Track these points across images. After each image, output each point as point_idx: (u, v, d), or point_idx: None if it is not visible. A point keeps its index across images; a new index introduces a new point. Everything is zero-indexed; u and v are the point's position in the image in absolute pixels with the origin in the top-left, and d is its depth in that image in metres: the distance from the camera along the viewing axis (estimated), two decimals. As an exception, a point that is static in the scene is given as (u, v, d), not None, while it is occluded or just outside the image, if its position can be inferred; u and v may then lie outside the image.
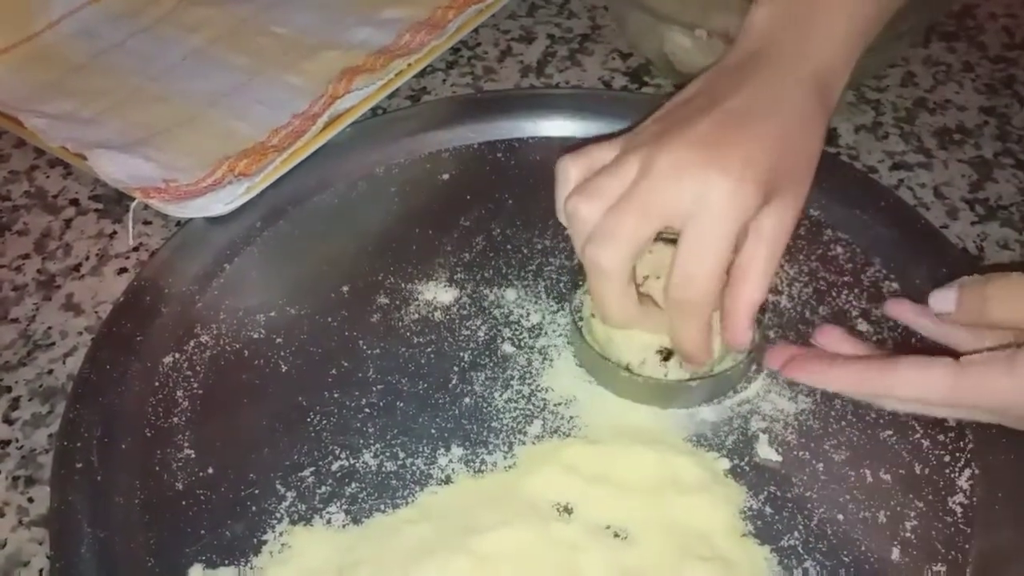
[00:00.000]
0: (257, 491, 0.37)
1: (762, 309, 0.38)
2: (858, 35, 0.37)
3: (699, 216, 0.32)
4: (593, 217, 0.34)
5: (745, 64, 0.36)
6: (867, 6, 0.38)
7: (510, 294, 0.44)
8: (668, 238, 0.35)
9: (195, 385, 0.41)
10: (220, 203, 0.46)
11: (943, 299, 0.35)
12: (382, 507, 0.36)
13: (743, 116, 0.34)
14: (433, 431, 0.39)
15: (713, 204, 0.32)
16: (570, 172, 0.36)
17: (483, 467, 0.38)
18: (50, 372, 0.43)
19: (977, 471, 0.37)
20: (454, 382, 0.41)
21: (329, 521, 0.36)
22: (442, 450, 0.38)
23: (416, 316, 0.43)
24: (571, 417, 0.39)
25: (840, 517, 0.36)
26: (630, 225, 0.33)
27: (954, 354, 0.33)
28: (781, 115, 0.34)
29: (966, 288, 0.34)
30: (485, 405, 0.40)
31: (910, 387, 0.33)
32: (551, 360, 0.41)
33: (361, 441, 0.39)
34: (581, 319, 0.40)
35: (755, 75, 0.35)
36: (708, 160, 0.32)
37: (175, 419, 0.40)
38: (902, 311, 0.40)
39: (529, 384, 0.40)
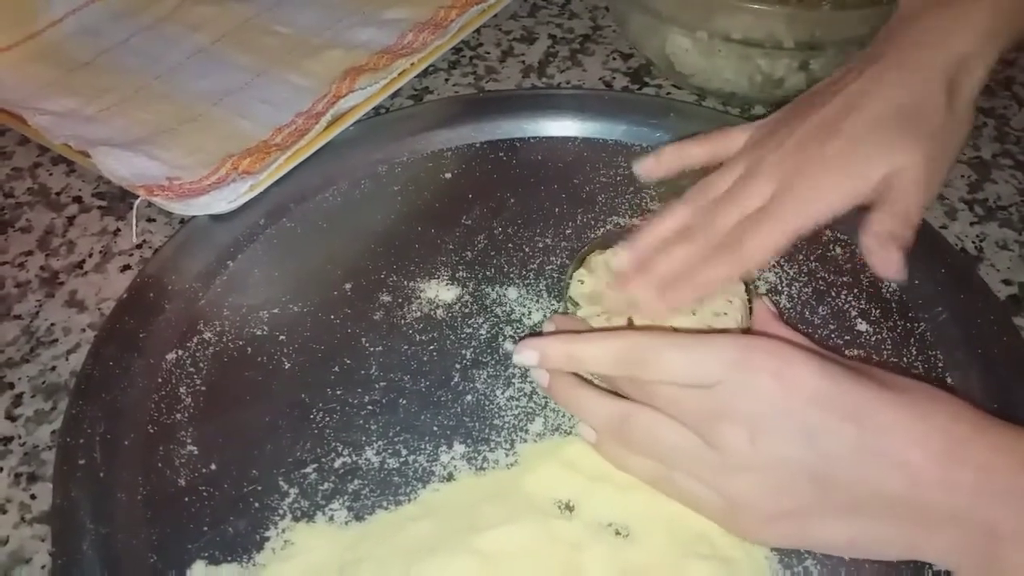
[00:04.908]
0: (260, 488, 0.37)
1: (750, 291, 0.39)
2: (1001, 30, 0.37)
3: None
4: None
5: (883, 55, 0.37)
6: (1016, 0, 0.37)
7: (512, 292, 0.45)
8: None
9: (198, 382, 0.41)
10: (223, 201, 0.46)
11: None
12: (384, 504, 0.37)
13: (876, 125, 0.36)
14: (435, 428, 0.39)
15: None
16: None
17: (485, 464, 0.38)
18: (53, 369, 0.43)
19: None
20: (456, 380, 0.41)
21: (332, 518, 0.36)
22: (444, 447, 0.38)
23: (418, 314, 0.44)
24: (572, 415, 0.39)
25: (840, 515, 0.36)
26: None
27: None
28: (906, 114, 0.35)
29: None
30: (487, 403, 0.40)
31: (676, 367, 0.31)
32: (553, 358, 0.41)
33: (364, 438, 0.39)
34: (576, 305, 0.40)
35: (888, 74, 0.36)
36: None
37: (178, 416, 0.40)
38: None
39: (531, 382, 0.41)
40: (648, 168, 0.42)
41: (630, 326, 0.39)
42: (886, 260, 0.35)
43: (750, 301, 0.38)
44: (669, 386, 0.31)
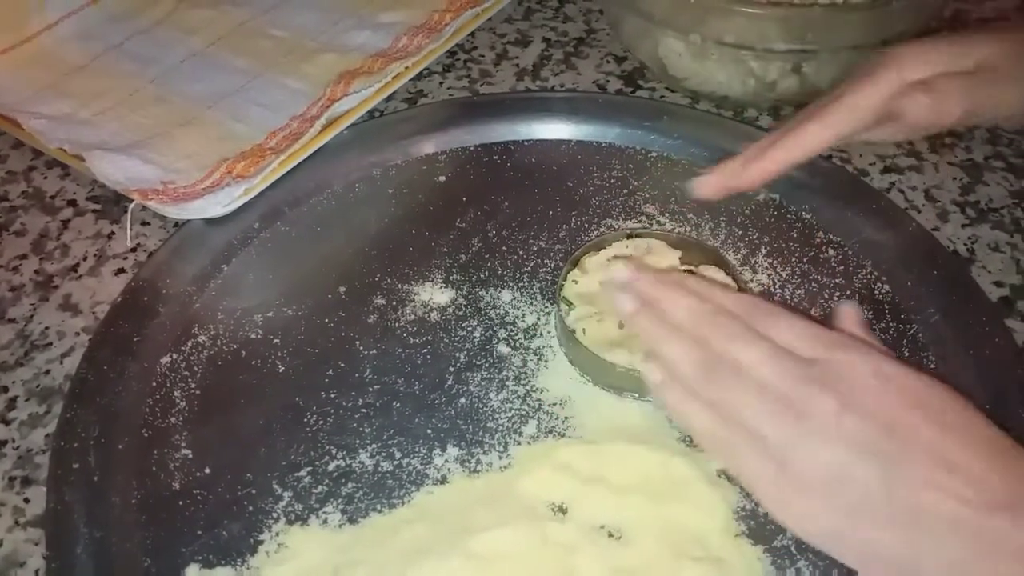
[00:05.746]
0: (254, 491, 0.37)
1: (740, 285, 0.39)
2: None
3: None
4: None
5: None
6: None
7: (505, 295, 0.45)
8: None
9: (192, 385, 0.41)
10: (218, 205, 0.46)
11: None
12: (378, 507, 0.37)
13: None
14: (429, 431, 0.39)
15: None
16: None
17: (479, 467, 0.38)
18: (47, 372, 0.43)
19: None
20: (450, 382, 0.41)
21: (325, 521, 0.36)
22: (438, 450, 0.38)
23: (412, 317, 0.44)
24: (566, 417, 0.39)
25: (832, 517, 0.36)
26: None
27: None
28: None
29: None
30: (481, 405, 0.40)
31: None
32: (546, 361, 0.42)
33: (357, 441, 0.39)
34: (570, 305, 0.41)
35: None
36: None
37: (172, 419, 0.40)
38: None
39: (524, 384, 0.41)
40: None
41: (621, 327, 0.40)
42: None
43: None
44: (771, 344, 0.31)
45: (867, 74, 0.39)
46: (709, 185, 0.41)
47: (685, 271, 0.41)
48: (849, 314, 0.34)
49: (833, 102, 0.39)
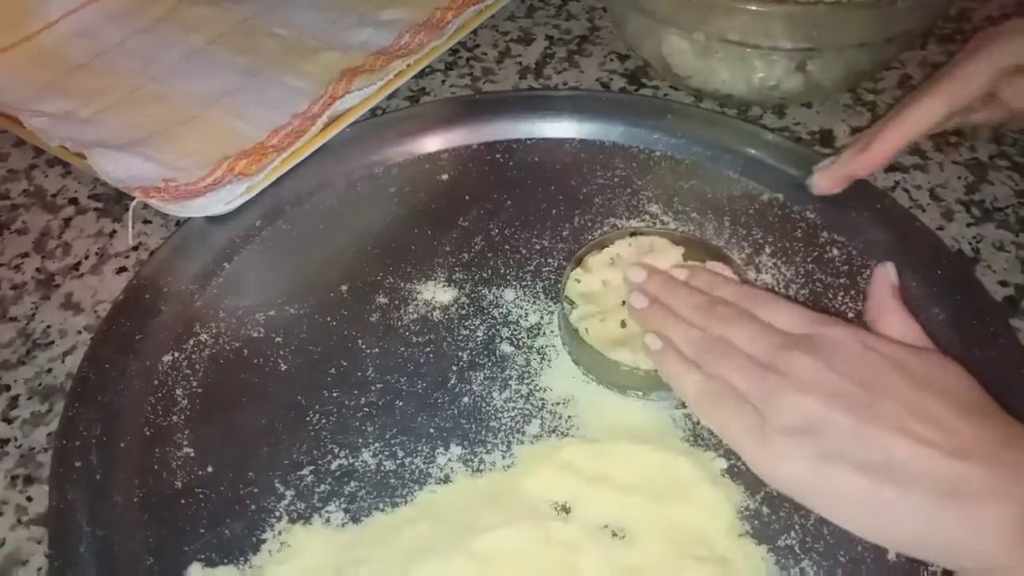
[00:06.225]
0: (256, 490, 0.37)
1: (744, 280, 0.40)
2: None
3: None
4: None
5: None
6: None
7: (508, 294, 0.45)
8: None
9: (194, 384, 0.41)
10: (220, 203, 0.46)
11: None
12: (381, 506, 0.36)
13: None
14: (432, 430, 0.39)
15: None
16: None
17: (482, 466, 0.38)
18: (49, 371, 0.43)
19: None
20: (453, 381, 0.41)
21: (328, 520, 0.36)
22: (441, 449, 0.38)
23: (415, 316, 0.44)
24: (569, 417, 0.39)
25: (836, 516, 0.36)
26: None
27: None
28: None
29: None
30: (484, 404, 0.40)
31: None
32: (549, 360, 0.41)
33: (360, 440, 0.39)
34: (573, 304, 0.41)
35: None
36: None
37: (174, 418, 0.40)
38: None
39: (527, 384, 0.41)
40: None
41: (624, 326, 0.40)
42: None
43: None
44: (763, 323, 0.34)
45: (977, 48, 0.41)
46: (830, 177, 0.44)
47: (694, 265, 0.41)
48: (883, 277, 0.36)
49: (945, 76, 0.41)
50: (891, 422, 0.29)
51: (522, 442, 0.38)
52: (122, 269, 0.48)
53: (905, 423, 0.29)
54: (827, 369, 0.31)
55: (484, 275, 0.45)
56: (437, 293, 0.45)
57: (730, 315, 0.35)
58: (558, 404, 0.40)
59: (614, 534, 0.35)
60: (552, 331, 0.43)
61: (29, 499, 0.38)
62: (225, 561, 0.35)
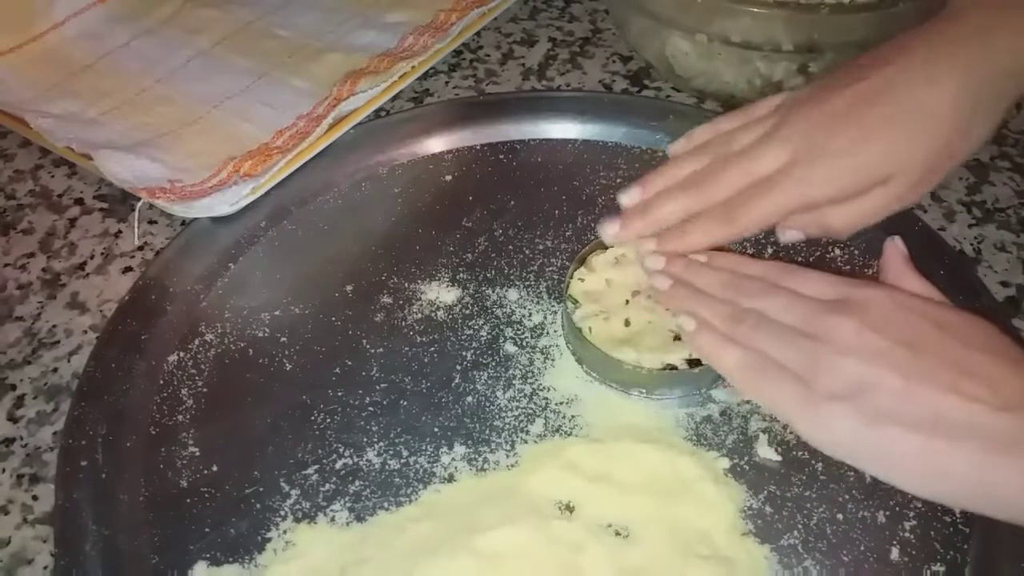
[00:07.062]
0: (261, 489, 0.37)
1: None
2: None
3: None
4: None
5: (916, 37, 0.36)
6: None
7: (512, 294, 0.45)
8: None
9: (199, 383, 0.41)
10: (225, 203, 0.46)
11: None
12: (385, 505, 0.37)
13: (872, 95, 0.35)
14: (436, 430, 0.39)
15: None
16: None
17: (486, 465, 0.38)
18: (55, 370, 0.43)
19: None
20: (457, 381, 0.41)
21: (333, 519, 0.36)
22: (445, 448, 0.38)
23: (419, 315, 0.44)
24: (573, 416, 0.39)
25: (839, 517, 0.36)
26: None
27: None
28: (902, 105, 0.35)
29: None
30: (488, 404, 0.40)
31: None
32: (553, 359, 0.42)
33: (365, 439, 0.39)
34: (576, 303, 0.41)
35: (916, 70, 0.35)
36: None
37: (180, 417, 0.40)
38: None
39: (531, 383, 0.41)
40: (680, 148, 0.41)
41: (627, 325, 0.40)
42: (790, 236, 0.38)
43: None
44: (794, 292, 0.34)
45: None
46: (678, 147, 0.43)
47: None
48: (894, 248, 0.36)
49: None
50: (937, 379, 0.29)
51: (526, 441, 0.39)
52: (128, 269, 0.48)
53: (951, 380, 0.29)
54: (866, 330, 0.31)
55: (488, 275, 0.46)
56: (441, 293, 0.45)
57: (759, 288, 0.35)
58: (562, 403, 0.40)
59: (617, 533, 0.35)
60: (556, 331, 0.43)
61: (35, 498, 0.38)
62: (230, 560, 0.35)
